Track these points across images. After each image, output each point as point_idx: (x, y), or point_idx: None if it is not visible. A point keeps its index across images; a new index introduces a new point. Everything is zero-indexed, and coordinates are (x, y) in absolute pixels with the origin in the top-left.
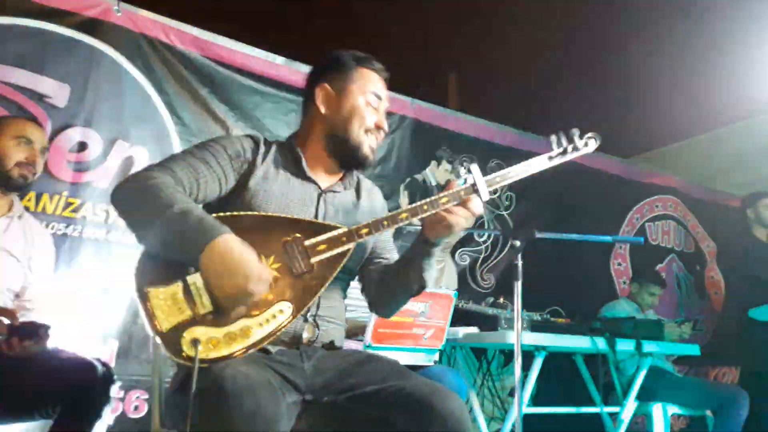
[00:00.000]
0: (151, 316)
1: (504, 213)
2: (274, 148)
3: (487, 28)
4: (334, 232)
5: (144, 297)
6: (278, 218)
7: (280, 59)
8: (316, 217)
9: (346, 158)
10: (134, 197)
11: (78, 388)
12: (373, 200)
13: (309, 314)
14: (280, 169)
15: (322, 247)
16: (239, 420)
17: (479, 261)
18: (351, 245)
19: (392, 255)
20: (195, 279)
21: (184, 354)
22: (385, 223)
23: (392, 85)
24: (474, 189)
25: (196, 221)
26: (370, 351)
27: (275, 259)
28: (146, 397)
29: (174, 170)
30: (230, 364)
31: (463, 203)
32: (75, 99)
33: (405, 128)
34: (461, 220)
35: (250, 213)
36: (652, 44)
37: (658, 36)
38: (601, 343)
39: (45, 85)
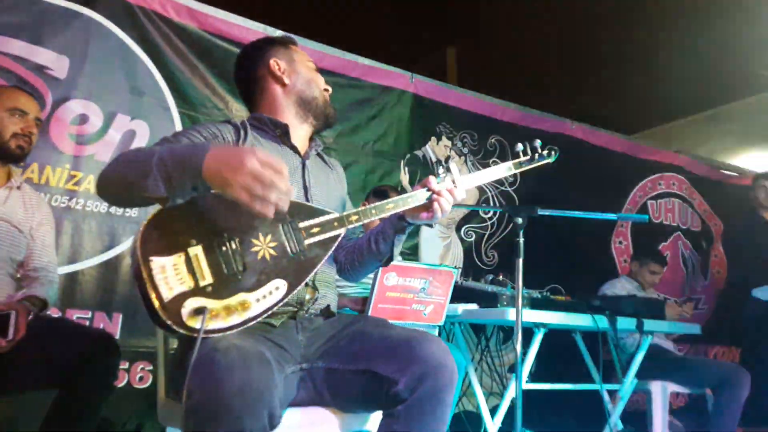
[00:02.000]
0: (153, 286)
1: (509, 189)
2: (249, 126)
3: (487, 2)
4: (327, 217)
5: (147, 266)
6: None
7: (278, 33)
8: (305, 185)
9: (319, 118)
10: (116, 168)
11: (83, 359)
12: (335, 165)
13: (308, 278)
14: (264, 142)
15: (316, 229)
16: (230, 392)
17: (485, 237)
18: (342, 230)
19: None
20: (196, 250)
21: (185, 324)
22: (374, 212)
23: (391, 59)
24: (453, 184)
25: (187, 143)
26: (359, 315)
27: (272, 238)
28: (150, 368)
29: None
30: (226, 336)
31: (450, 192)
32: (74, 71)
33: (404, 103)
34: (440, 216)
35: None
36: (657, 18)
37: (664, 10)
38: (601, 322)
39: (43, 56)
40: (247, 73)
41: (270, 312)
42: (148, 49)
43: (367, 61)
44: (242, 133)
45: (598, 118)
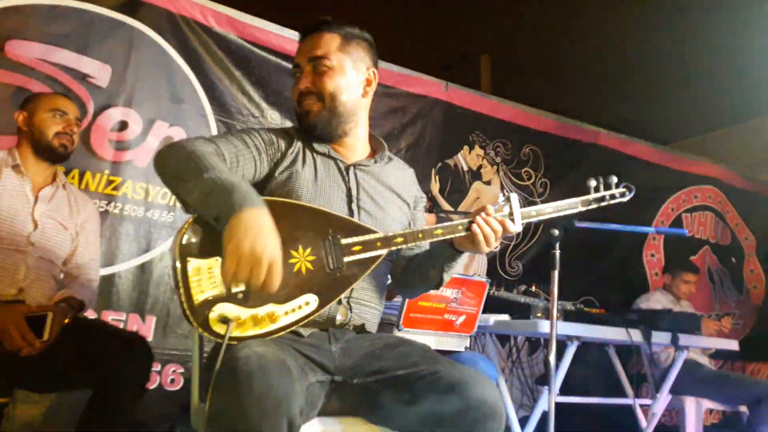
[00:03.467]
0: (186, 286)
1: (537, 200)
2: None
3: (521, 9)
4: (371, 236)
5: (184, 266)
6: (322, 212)
7: None
8: (350, 193)
9: (302, 126)
10: (179, 159)
11: (116, 361)
12: (402, 176)
13: (343, 296)
14: (307, 150)
15: (357, 248)
16: (249, 401)
17: (509, 248)
18: (384, 251)
19: (424, 245)
20: None
21: (211, 328)
22: (420, 236)
23: (425, 67)
24: (510, 218)
25: (245, 184)
26: (399, 335)
27: (311, 251)
28: (182, 371)
29: (217, 144)
30: (249, 344)
31: (501, 224)
32: (116, 79)
33: (437, 112)
34: (485, 247)
35: (297, 202)
36: (693, 29)
37: (701, 19)
38: (636, 335)
39: (88, 65)
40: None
41: (297, 326)
42: (187, 58)
43: (402, 70)
44: (294, 143)
45: (632, 128)
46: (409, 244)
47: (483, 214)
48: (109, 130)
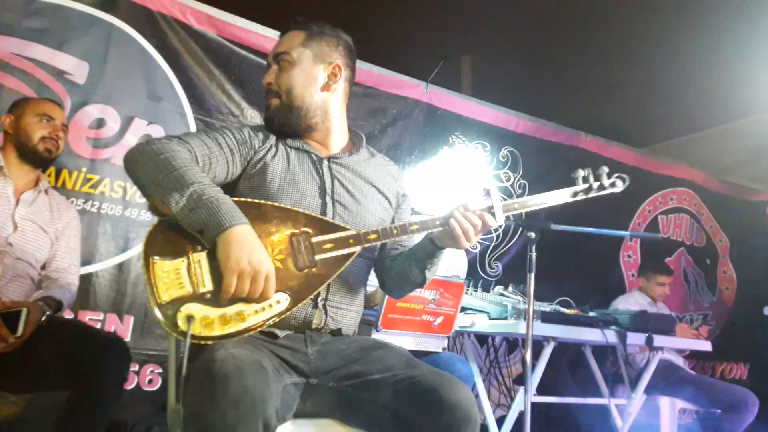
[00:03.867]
0: (152, 286)
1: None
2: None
3: (502, 11)
4: (342, 233)
5: (148, 266)
6: (291, 211)
7: None
8: (324, 186)
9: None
10: (158, 166)
11: (94, 361)
12: (384, 172)
13: (319, 299)
14: (281, 145)
15: (329, 245)
16: (225, 402)
17: (489, 248)
18: (357, 248)
19: (411, 243)
20: (200, 257)
21: (179, 328)
22: (395, 231)
23: (405, 69)
24: (490, 211)
25: (227, 199)
26: (376, 339)
27: (281, 250)
28: (160, 371)
29: (191, 145)
30: (224, 345)
31: (480, 217)
32: (94, 76)
33: (418, 113)
34: (465, 242)
35: (264, 202)
36: (670, 32)
37: (676, 24)
38: (611, 336)
39: (64, 61)
40: None
41: (267, 324)
42: (166, 55)
43: (382, 71)
44: (266, 140)
45: (611, 131)
46: (384, 241)
47: (461, 208)
48: (86, 127)
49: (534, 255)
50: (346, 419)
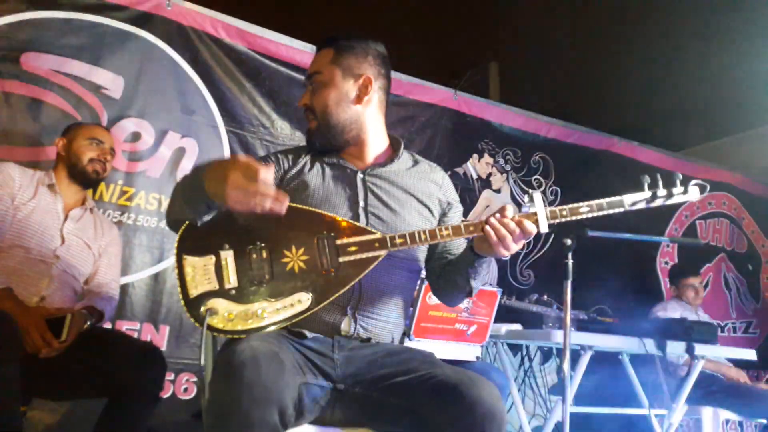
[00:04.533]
0: (182, 282)
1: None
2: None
3: (529, 16)
4: (368, 237)
5: (180, 263)
6: (319, 214)
7: None
8: (356, 198)
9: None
10: (171, 204)
11: (131, 370)
12: (427, 180)
13: (349, 307)
14: (317, 162)
15: (353, 248)
16: (239, 388)
17: (521, 256)
18: (383, 252)
19: (460, 251)
20: (227, 255)
21: (203, 321)
22: (423, 236)
23: (432, 75)
24: (533, 218)
25: (197, 169)
26: (402, 345)
27: (304, 251)
28: (195, 380)
29: None
30: (248, 338)
31: (518, 224)
32: (129, 90)
33: (446, 120)
34: (502, 250)
35: (291, 205)
36: (708, 28)
37: (712, 23)
38: (650, 344)
39: (101, 76)
40: None
41: (291, 322)
42: (198, 69)
43: (411, 78)
44: (300, 160)
45: (646, 135)
46: (412, 245)
47: (497, 215)
48: (122, 141)
49: (570, 262)
50: (374, 425)
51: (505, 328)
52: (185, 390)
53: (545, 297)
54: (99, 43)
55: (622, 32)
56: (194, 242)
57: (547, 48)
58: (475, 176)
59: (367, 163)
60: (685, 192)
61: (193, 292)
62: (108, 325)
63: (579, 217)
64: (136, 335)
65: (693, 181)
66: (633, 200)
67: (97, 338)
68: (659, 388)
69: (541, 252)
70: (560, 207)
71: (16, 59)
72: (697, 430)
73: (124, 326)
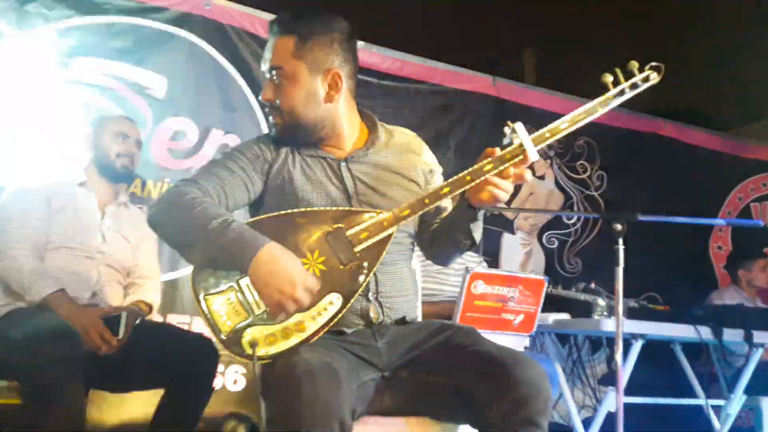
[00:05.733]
0: (211, 323)
1: (595, 193)
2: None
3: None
4: (376, 218)
5: (201, 304)
6: (318, 212)
7: (360, 43)
8: (345, 188)
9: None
10: (169, 218)
11: (186, 362)
12: (407, 152)
13: (370, 294)
14: (296, 154)
15: (364, 234)
16: (299, 405)
17: (568, 244)
18: (393, 229)
19: (448, 212)
20: (247, 281)
21: (248, 354)
22: (427, 200)
23: (467, 63)
24: (521, 150)
25: (237, 235)
26: (443, 321)
27: (319, 253)
28: (244, 371)
29: (199, 182)
30: (298, 351)
31: (506, 169)
32: (172, 90)
33: (486, 107)
34: (501, 193)
35: (288, 212)
36: (759, 6)
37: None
38: (705, 332)
39: (145, 77)
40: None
41: (329, 327)
42: (238, 66)
43: (447, 66)
44: (280, 149)
45: (692, 116)
46: (419, 213)
47: (489, 160)
48: (168, 139)
49: (621, 248)
50: (423, 408)
51: (552, 317)
52: (235, 382)
53: (593, 285)
54: (142, 45)
55: (664, 5)
56: (210, 279)
57: (583, 29)
58: None
59: (347, 151)
60: (647, 79)
61: (226, 329)
62: (159, 318)
63: (561, 134)
64: (186, 328)
65: (649, 65)
66: (603, 101)
67: (152, 331)
68: (713, 380)
69: (589, 239)
70: (540, 131)
71: (65, 64)
72: (756, 420)
73: (176, 320)
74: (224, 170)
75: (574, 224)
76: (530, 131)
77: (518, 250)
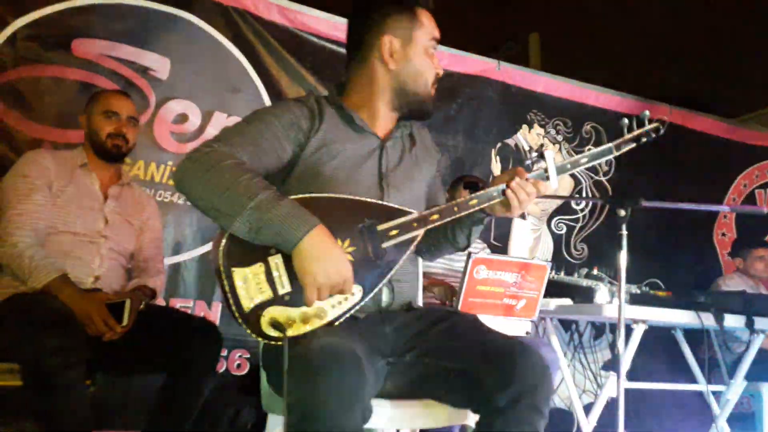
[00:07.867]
0: (234, 296)
1: (603, 179)
2: (327, 107)
3: None
4: (406, 218)
5: (229, 276)
6: (355, 201)
7: None
8: (380, 169)
9: (414, 113)
10: (209, 183)
11: (189, 346)
12: (425, 141)
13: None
14: (341, 126)
15: (394, 232)
16: (326, 391)
17: (575, 230)
18: (420, 231)
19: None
20: (277, 260)
21: (265, 333)
22: (455, 209)
23: (472, 47)
24: (545, 176)
25: (291, 209)
26: (447, 309)
27: (350, 242)
28: (248, 356)
29: (233, 146)
30: (318, 334)
31: (535, 185)
32: (175, 72)
33: (491, 91)
34: (519, 211)
35: (326, 195)
36: None
37: None
38: (707, 318)
39: (148, 58)
40: (360, 35)
41: (345, 316)
42: (242, 47)
43: (452, 50)
44: (317, 121)
45: (698, 102)
46: (446, 220)
47: (517, 178)
48: (170, 122)
49: (625, 234)
50: (426, 391)
51: (554, 303)
52: (238, 366)
53: (595, 270)
54: (145, 27)
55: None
56: (240, 252)
57: (589, 14)
58: (527, 147)
59: (385, 130)
60: (657, 131)
61: (249, 305)
62: (162, 303)
63: (581, 167)
64: (189, 312)
65: (657, 119)
66: (618, 144)
67: (155, 315)
68: (714, 365)
69: (595, 225)
70: (564, 162)
71: (66, 45)
72: (756, 406)
73: (178, 304)
74: (258, 135)
75: (581, 210)
76: (535, 117)
77: (528, 236)
